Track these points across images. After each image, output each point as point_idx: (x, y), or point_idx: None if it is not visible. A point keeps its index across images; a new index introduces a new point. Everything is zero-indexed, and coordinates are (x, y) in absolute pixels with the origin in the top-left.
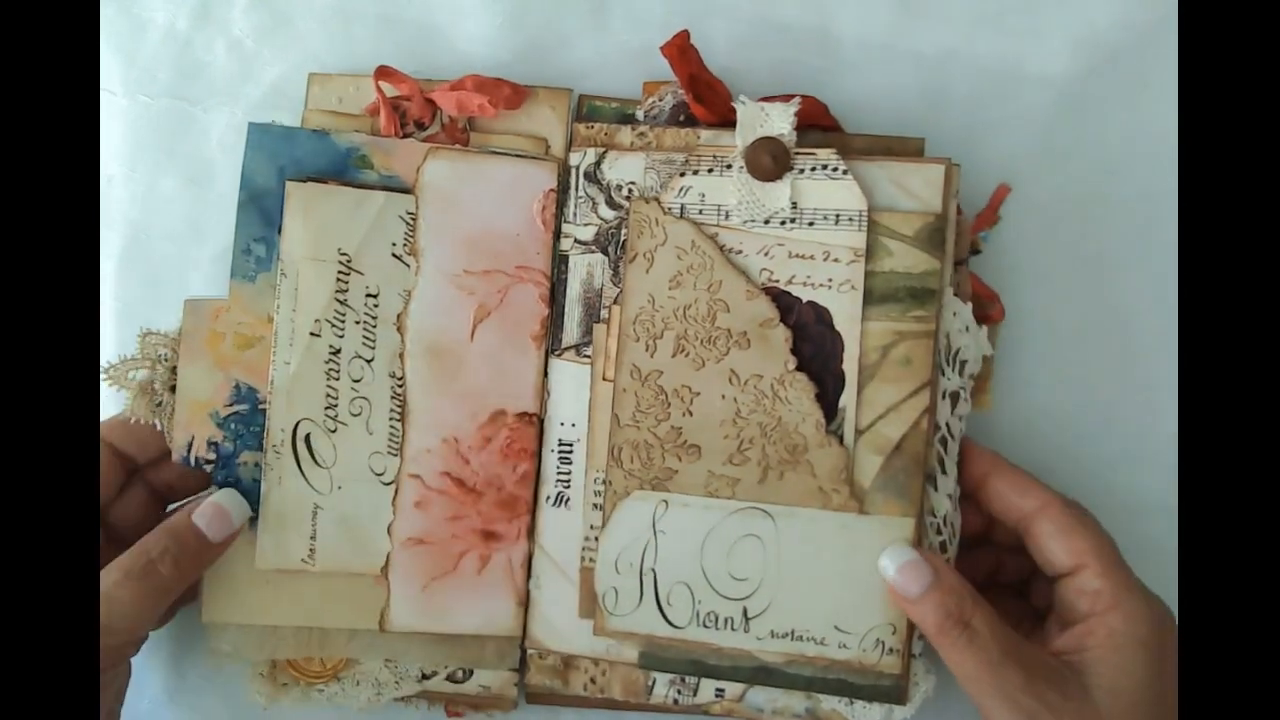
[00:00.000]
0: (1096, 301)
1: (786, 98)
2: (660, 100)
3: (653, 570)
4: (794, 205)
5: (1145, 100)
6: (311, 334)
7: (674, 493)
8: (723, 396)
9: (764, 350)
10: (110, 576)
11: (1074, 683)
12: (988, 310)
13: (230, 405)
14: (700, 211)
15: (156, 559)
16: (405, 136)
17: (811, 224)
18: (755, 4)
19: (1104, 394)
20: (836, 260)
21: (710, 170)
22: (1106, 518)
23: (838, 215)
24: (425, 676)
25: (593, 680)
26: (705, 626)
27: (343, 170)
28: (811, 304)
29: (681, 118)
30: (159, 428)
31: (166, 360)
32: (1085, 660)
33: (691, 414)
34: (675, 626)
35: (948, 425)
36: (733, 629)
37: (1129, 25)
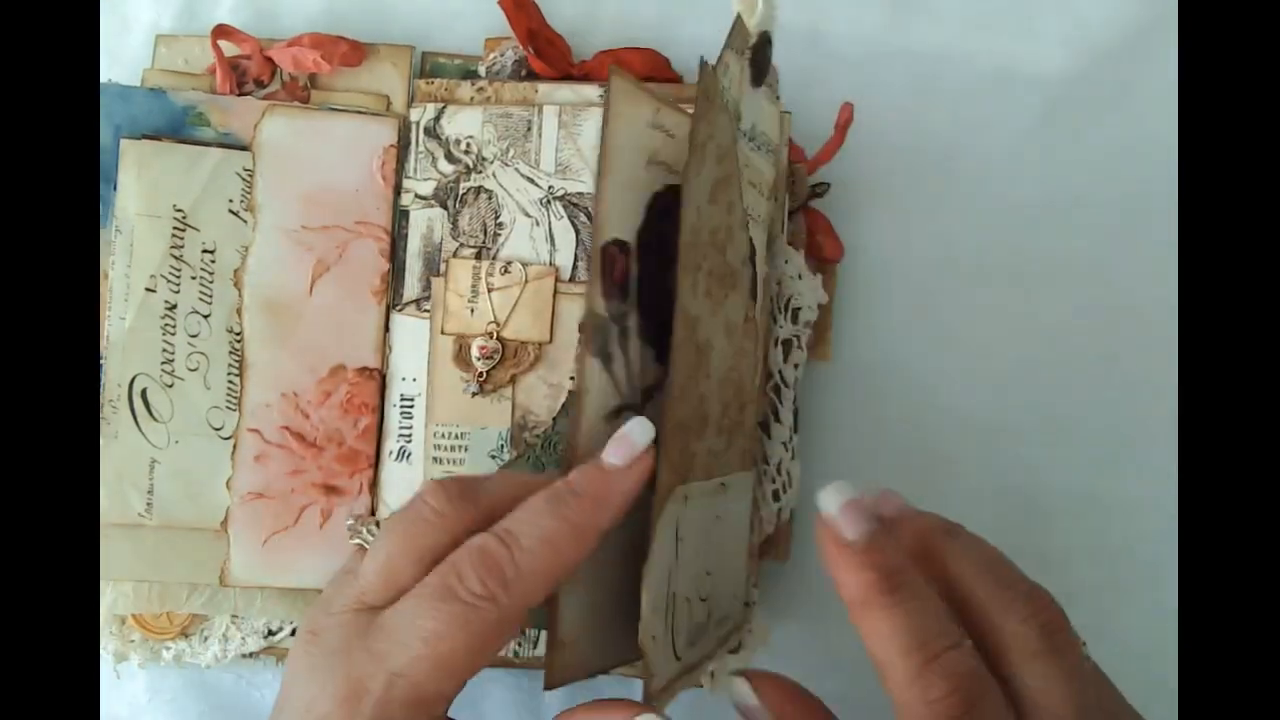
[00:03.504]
0: (1089, 302)
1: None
2: (501, 56)
3: (674, 595)
4: (752, 125)
5: (1137, 102)
6: (147, 289)
7: (692, 480)
8: (720, 350)
9: (739, 294)
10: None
11: None
12: (825, 252)
13: None
14: (728, 104)
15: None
16: (245, 95)
17: (757, 148)
18: None
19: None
20: (761, 193)
21: (736, 50)
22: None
23: (764, 144)
24: (271, 633)
25: None
26: (692, 644)
27: (179, 128)
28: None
29: (524, 73)
30: None
31: None
32: None
33: (710, 375)
34: (680, 659)
35: (780, 373)
36: (707, 635)
37: (1122, 26)
